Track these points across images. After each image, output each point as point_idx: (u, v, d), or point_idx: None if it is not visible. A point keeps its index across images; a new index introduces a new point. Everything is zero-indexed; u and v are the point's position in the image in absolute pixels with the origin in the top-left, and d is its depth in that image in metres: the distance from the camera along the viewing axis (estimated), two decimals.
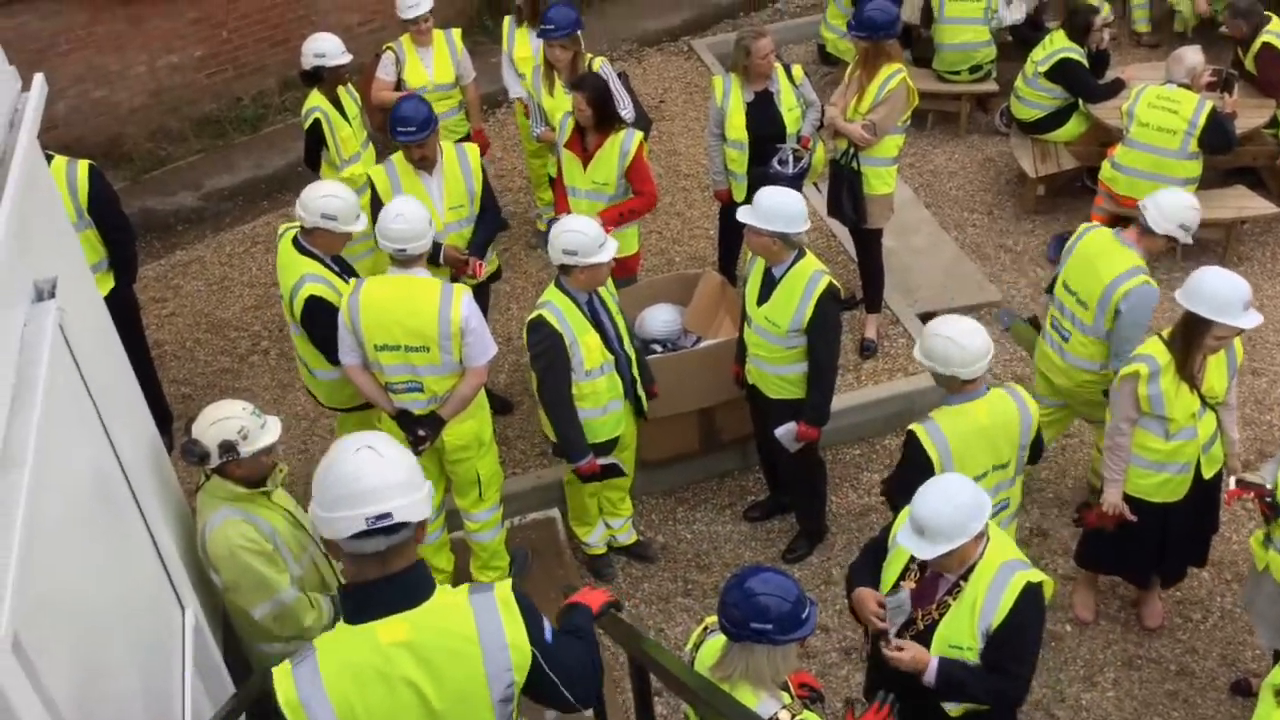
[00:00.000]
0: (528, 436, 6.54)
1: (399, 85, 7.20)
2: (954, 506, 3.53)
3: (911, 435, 4.50)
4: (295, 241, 5.17)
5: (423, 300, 4.78)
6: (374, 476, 2.59)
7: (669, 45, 10.51)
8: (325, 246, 5.16)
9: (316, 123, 6.67)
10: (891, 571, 3.90)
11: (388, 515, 2.57)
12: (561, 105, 6.65)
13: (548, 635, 2.80)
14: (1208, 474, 4.92)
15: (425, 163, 5.70)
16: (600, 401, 5.14)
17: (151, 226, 8.55)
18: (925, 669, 3.68)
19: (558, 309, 4.98)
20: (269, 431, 4.13)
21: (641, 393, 5.38)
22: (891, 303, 7.18)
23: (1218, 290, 4.51)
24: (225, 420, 4.06)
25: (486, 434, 5.24)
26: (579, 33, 6.68)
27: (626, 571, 5.95)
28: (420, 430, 4.92)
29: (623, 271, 6.43)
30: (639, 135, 6.03)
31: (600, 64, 6.76)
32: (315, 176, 6.90)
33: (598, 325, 5.07)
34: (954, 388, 4.49)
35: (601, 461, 5.20)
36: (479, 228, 5.96)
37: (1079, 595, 5.56)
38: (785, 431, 5.38)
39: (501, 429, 6.41)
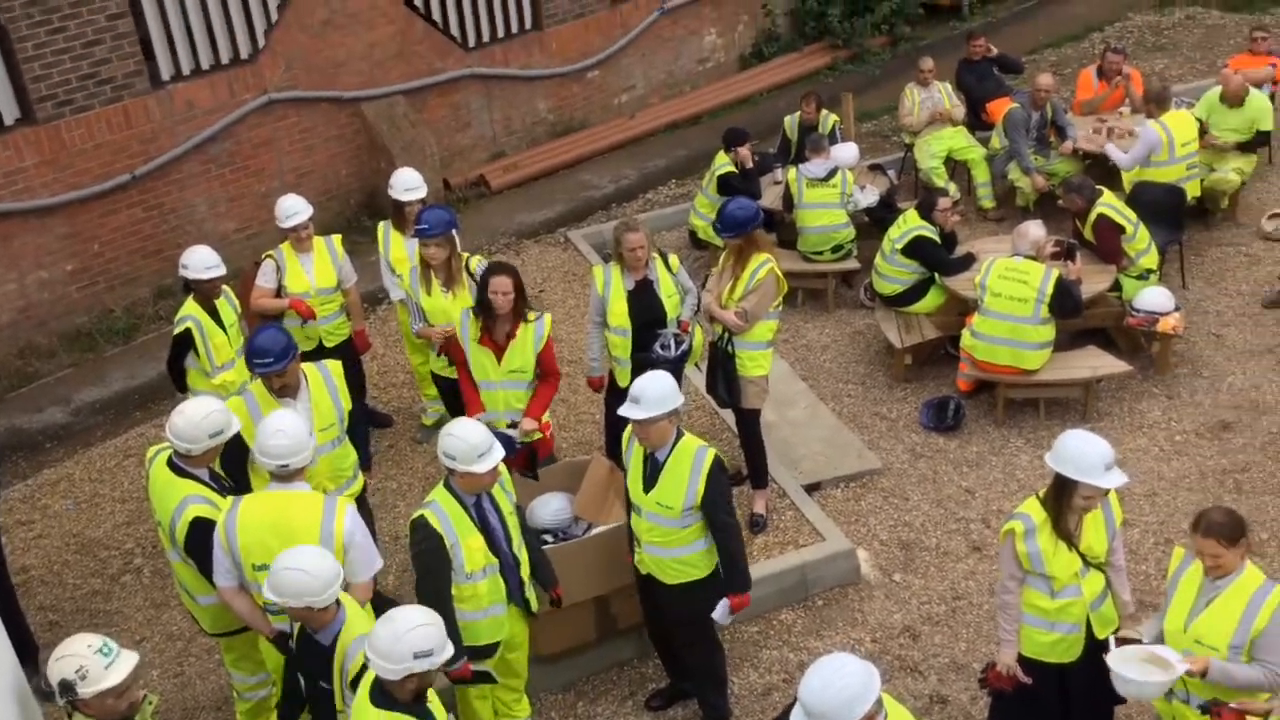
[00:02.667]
0: None
1: (280, 292, 7.24)
2: (836, 689, 3.51)
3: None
4: (171, 464, 5.06)
5: (304, 517, 4.69)
6: None
7: (546, 237, 10.81)
8: (209, 459, 5.10)
9: (187, 330, 6.66)
10: None
11: None
12: (439, 304, 6.75)
13: None
14: (1100, 634, 4.98)
15: (286, 390, 5.66)
16: (481, 605, 5.04)
17: (18, 446, 8.29)
18: None
19: (441, 509, 4.93)
20: (115, 671, 3.94)
21: (530, 595, 5.30)
22: (777, 476, 7.28)
23: (1081, 452, 4.72)
24: (65, 658, 3.91)
25: None
26: (454, 233, 6.83)
27: None
28: None
29: (545, 451, 6.51)
30: (549, 315, 6.27)
31: (477, 263, 6.92)
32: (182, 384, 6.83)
33: (485, 527, 5.01)
34: (324, 620, 4.41)
35: (475, 668, 5.07)
36: (358, 443, 5.96)
37: None
38: (721, 611, 5.38)
39: None
